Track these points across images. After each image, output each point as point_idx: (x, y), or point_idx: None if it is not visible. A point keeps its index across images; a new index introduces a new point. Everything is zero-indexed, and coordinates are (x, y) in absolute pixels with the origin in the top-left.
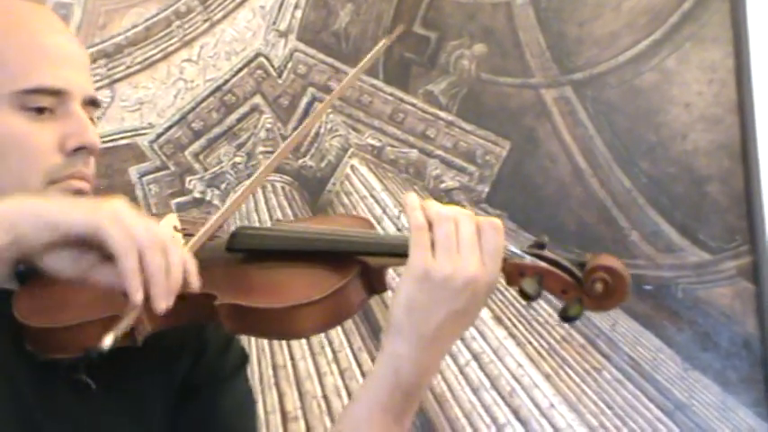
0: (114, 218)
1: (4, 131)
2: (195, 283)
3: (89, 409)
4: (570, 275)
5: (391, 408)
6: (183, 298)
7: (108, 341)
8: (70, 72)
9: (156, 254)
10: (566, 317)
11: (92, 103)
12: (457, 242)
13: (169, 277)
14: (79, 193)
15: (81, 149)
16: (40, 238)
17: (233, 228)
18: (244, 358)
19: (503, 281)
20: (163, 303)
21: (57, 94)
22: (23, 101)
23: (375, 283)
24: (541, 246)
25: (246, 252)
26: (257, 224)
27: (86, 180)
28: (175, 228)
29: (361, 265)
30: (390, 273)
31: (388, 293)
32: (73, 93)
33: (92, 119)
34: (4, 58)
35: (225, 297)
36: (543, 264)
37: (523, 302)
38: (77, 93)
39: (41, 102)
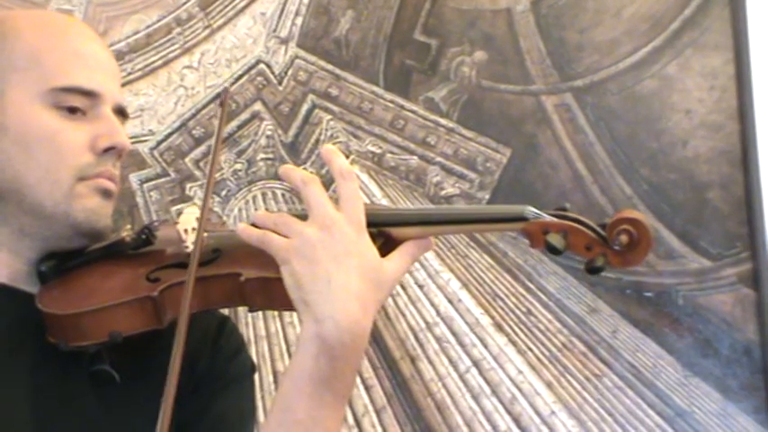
0: None
1: (37, 127)
2: None
3: (108, 404)
4: (593, 232)
5: (318, 374)
6: (209, 280)
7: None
8: (103, 77)
9: None
10: (591, 268)
11: (120, 112)
12: (308, 205)
13: None
14: (106, 193)
15: (111, 150)
16: None
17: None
18: (251, 368)
19: (527, 241)
20: None
21: (90, 95)
22: (57, 99)
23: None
24: (563, 209)
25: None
26: None
27: (114, 181)
28: (197, 218)
29: (384, 236)
30: None
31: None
32: (105, 96)
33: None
34: (41, 56)
35: (250, 272)
36: (566, 221)
37: (553, 255)
38: (109, 98)
39: (74, 101)
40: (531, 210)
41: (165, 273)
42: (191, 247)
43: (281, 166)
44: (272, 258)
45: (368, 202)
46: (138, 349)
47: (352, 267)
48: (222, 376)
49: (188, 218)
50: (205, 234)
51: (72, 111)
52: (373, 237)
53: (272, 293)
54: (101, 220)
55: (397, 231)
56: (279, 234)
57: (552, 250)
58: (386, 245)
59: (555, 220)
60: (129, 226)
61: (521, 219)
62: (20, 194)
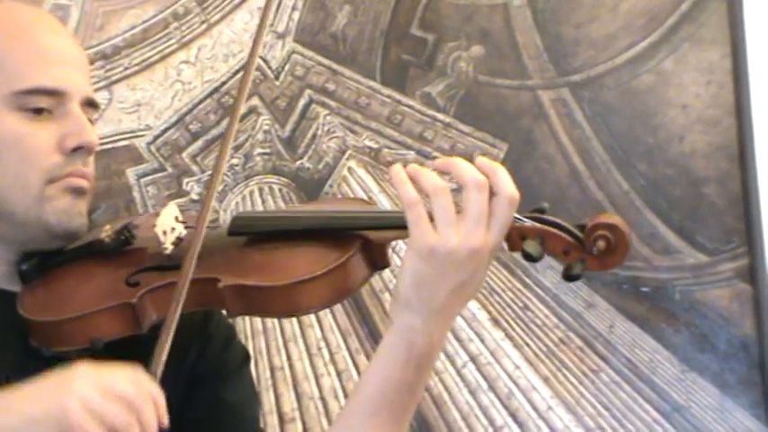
0: (86, 414)
1: (2, 132)
2: (165, 423)
3: None
4: (571, 236)
5: (405, 381)
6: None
7: None
8: (68, 73)
9: None
10: (569, 276)
11: (90, 104)
12: (464, 211)
13: None
14: (78, 190)
15: (80, 149)
16: None
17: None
18: (246, 356)
19: (504, 246)
20: None
21: (55, 94)
22: (21, 101)
23: (377, 259)
24: (541, 211)
25: (247, 235)
26: None
27: (86, 178)
28: (176, 218)
29: (361, 240)
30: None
31: (386, 296)
32: (71, 93)
33: (90, 120)
34: (2, 59)
35: (228, 279)
36: (544, 225)
37: (529, 262)
38: (75, 93)
39: (39, 102)
40: None
41: (144, 276)
42: (170, 249)
43: (444, 159)
44: (252, 265)
45: (365, 198)
46: (121, 352)
47: (468, 295)
48: (220, 368)
49: (166, 218)
50: (184, 231)
51: (38, 111)
52: (352, 239)
53: (249, 300)
54: (73, 220)
55: (376, 235)
56: (429, 210)
57: (528, 257)
58: (365, 247)
59: (534, 224)
60: (108, 226)
61: None
62: None
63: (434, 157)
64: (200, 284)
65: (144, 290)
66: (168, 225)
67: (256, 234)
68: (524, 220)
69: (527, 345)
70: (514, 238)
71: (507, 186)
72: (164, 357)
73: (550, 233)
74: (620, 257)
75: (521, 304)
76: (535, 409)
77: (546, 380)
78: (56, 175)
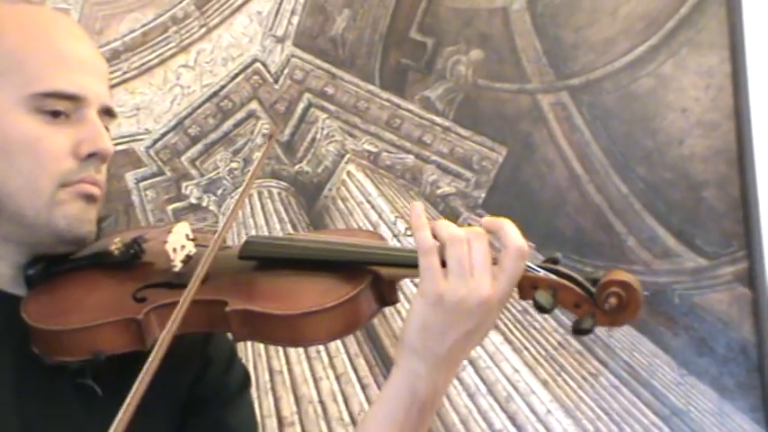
0: None
1: (18, 133)
2: None
3: (92, 417)
4: (583, 290)
5: (408, 425)
6: (195, 304)
7: None
8: (88, 79)
9: None
10: (578, 330)
11: (107, 112)
12: (470, 264)
13: None
14: (90, 197)
15: (94, 155)
16: None
17: (245, 237)
18: (247, 378)
19: (515, 294)
20: None
21: (73, 99)
22: (39, 104)
23: (386, 295)
24: (555, 261)
25: (258, 260)
26: (253, 229)
27: (98, 186)
28: (187, 236)
29: (372, 275)
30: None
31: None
32: (89, 99)
33: (106, 128)
34: (22, 61)
35: (236, 303)
36: (557, 277)
37: (540, 314)
38: (93, 100)
39: (57, 106)
40: None
41: (151, 292)
42: (179, 267)
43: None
44: (261, 291)
45: (364, 201)
46: (122, 365)
47: (474, 344)
48: (222, 391)
49: (177, 237)
50: (194, 250)
51: (55, 115)
52: (363, 274)
53: (255, 327)
54: (83, 227)
55: (387, 271)
56: (442, 257)
57: (540, 308)
58: (375, 282)
59: (547, 275)
60: (118, 239)
61: None
62: (1, 203)
63: (433, 162)
64: (208, 306)
65: (150, 306)
66: (179, 243)
67: (267, 260)
68: (538, 270)
69: (526, 348)
70: (526, 287)
71: (515, 239)
72: (147, 379)
73: (563, 285)
74: (632, 315)
75: (520, 308)
76: (534, 412)
77: (545, 383)
78: (68, 180)
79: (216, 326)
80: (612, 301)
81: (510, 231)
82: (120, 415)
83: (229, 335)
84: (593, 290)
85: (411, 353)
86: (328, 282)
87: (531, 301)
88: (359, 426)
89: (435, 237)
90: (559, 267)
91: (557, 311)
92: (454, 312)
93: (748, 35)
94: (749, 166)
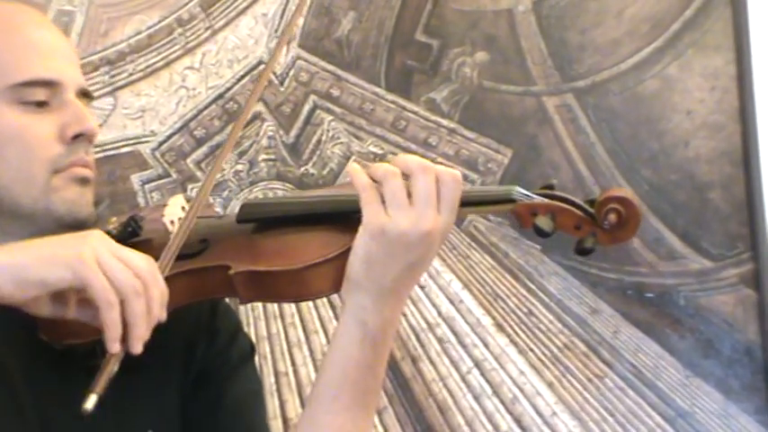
0: (96, 265)
1: (3, 125)
2: (164, 316)
3: (105, 399)
4: (582, 210)
5: (363, 361)
6: (197, 273)
7: (91, 402)
8: (61, 64)
9: (137, 301)
10: (581, 250)
11: (84, 94)
12: (412, 195)
13: (149, 318)
14: (83, 180)
15: (81, 136)
16: (25, 296)
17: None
18: (252, 349)
19: (516, 222)
20: (139, 346)
21: (50, 85)
22: (19, 95)
23: None
24: (551, 188)
25: (256, 222)
26: None
27: (89, 167)
28: (183, 208)
29: None
30: None
31: None
32: (66, 83)
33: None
34: None
35: (239, 265)
36: (554, 201)
37: (541, 237)
38: (70, 83)
39: (36, 95)
40: (518, 190)
41: None
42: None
43: (392, 157)
44: (262, 251)
45: None
46: None
47: (418, 275)
48: (226, 362)
49: (173, 209)
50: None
51: (36, 104)
52: (359, 221)
53: (261, 286)
54: (82, 210)
55: None
56: (381, 193)
57: (540, 233)
58: None
59: (543, 200)
60: (114, 218)
61: (509, 200)
62: None
63: (439, 163)
64: (212, 272)
65: None
66: (176, 215)
67: (264, 220)
68: (534, 196)
69: (531, 350)
70: (525, 214)
71: (448, 170)
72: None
73: (561, 208)
74: (632, 231)
75: (525, 310)
76: (540, 414)
77: (550, 385)
78: (60, 164)
79: (221, 291)
80: (612, 217)
81: (441, 166)
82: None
83: (236, 299)
84: (592, 210)
85: (356, 287)
86: (327, 234)
87: (531, 229)
88: (318, 372)
89: (373, 178)
90: (556, 192)
91: (559, 311)
92: (397, 244)
93: (754, 37)
94: (754, 168)
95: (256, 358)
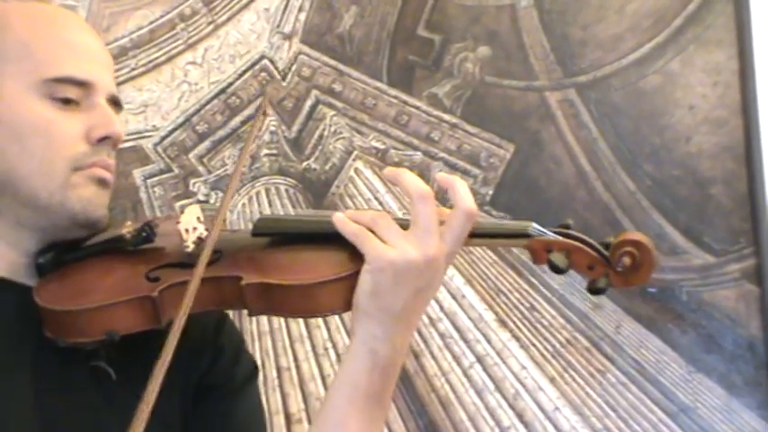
0: None
1: (31, 118)
2: None
3: (106, 399)
4: (596, 251)
5: (371, 389)
6: (208, 282)
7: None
8: (96, 67)
9: None
10: (594, 288)
11: (114, 102)
12: (413, 224)
13: None
14: (102, 182)
15: (106, 140)
16: None
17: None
18: (255, 368)
19: (529, 258)
20: None
21: (83, 85)
22: (51, 90)
23: None
24: (567, 227)
25: (270, 236)
26: None
27: (110, 171)
28: (198, 219)
29: None
30: None
31: None
32: (98, 86)
33: None
34: (33, 48)
35: (251, 277)
36: (570, 240)
37: (555, 274)
38: (102, 87)
39: (68, 92)
40: (534, 227)
41: (164, 272)
42: (191, 248)
43: (389, 169)
44: (275, 264)
45: (371, 198)
46: (136, 347)
47: (426, 300)
48: (230, 381)
49: (189, 217)
50: (205, 232)
51: (66, 102)
52: None
53: (271, 299)
54: (97, 210)
55: None
56: (375, 234)
57: (555, 269)
58: None
59: (558, 238)
60: (129, 222)
61: (524, 235)
62: (15, 186)
63: (440, 158)
64: (223, 282)
65: (164, 285)
66: (191, 224)
67: (280, 235)
68: (550, 234)
69: (534, 345)
70: (540, 250)
71: (465, 200)
72: (169, 356)
73: (576, 247)
74: (645, 275)
75: (527, 305)
76: (542, 409)
77: (552, 380)
78: (81, 163)
79: (231, 302)
80: (626, 260)
81: (460, 191)
82: (148, 390)
83: (246, 311)
84: (606, 252)
85: (366, 317)
86: (341, 253)
87: (545, 265)
88: (325, 396)
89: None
90: (571, 231)
91: (561, 307)
92: (404, 272)
93: (756, 32)
94: (757, 163)
95: (258, 354)
